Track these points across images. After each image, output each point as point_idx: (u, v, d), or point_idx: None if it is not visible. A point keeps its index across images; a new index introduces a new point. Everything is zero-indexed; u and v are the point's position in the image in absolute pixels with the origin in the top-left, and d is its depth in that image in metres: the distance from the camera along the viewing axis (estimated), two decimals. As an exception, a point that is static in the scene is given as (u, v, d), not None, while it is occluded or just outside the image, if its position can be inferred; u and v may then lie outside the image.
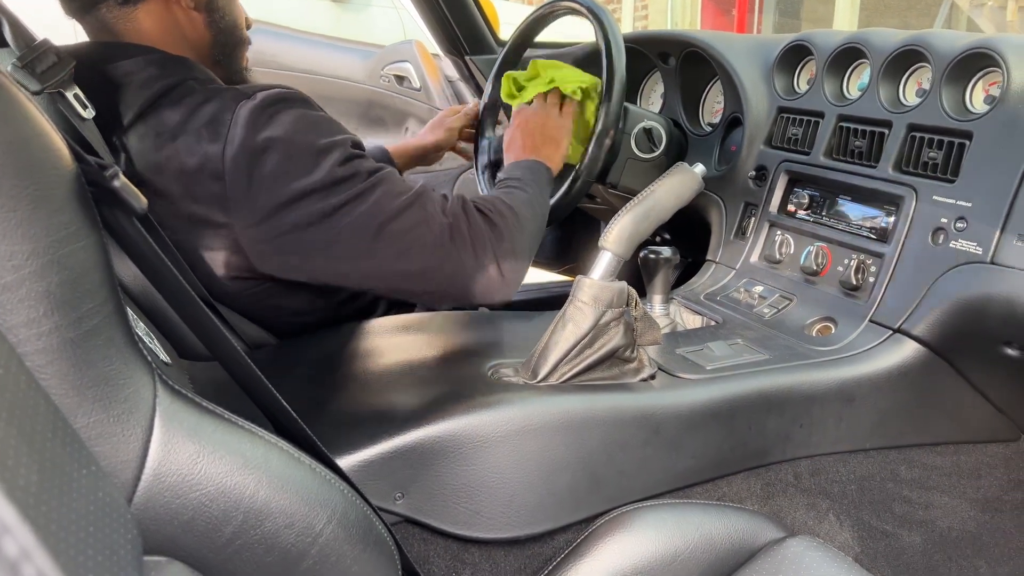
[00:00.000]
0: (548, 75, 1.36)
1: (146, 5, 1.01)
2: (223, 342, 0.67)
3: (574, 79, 1.35)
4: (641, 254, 1.24)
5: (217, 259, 1.02)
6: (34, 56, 0.84)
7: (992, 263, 1.00)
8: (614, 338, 0.95)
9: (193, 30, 1.06)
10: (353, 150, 1.00)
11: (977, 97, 1.13)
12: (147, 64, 0.99)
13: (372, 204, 0.97)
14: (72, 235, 0.51)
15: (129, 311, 0.59)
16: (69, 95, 0.87)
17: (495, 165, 1.57)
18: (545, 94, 1.35)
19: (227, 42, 1.11)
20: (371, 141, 2.27)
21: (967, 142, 1.08)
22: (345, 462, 0.81)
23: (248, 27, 1.18)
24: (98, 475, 0.46)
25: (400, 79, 2.18)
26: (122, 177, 0.54)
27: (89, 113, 0.88)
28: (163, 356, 0.74)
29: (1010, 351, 1.04)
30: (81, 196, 0.53)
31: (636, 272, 1.29)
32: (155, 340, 0.78)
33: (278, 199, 0.95)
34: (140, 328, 0.69)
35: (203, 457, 0.56)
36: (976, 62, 1.10)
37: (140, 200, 0.54)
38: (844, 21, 6.73)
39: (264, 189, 0.94)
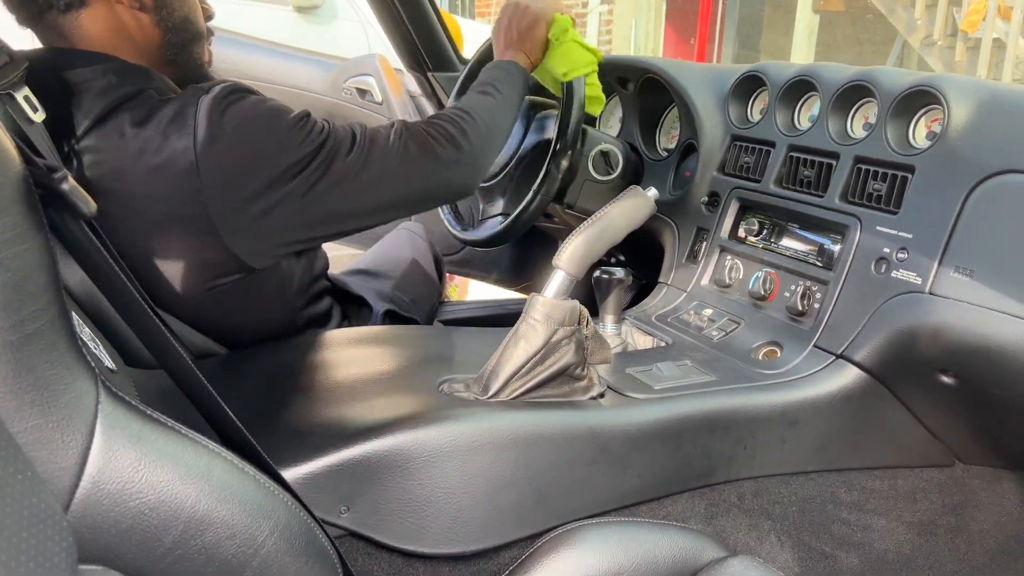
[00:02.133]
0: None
1: (89, 11, 1.00)
2: (170, 350, 0.67)
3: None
4: (595, 274, 1.26)
5: (183, 259, 1.02)
6: (-15, 56, 0.83)
7: (930, 293, 1.04)
8: (565, 356, 0.96)
9: (141, 31, 1.04)
10: (308, 119, 1.04)
11: (920, 133, 1.17)
12: (106, 72, 0.98)
13: (340, 166, 1.03)
14: (17, 237, 0.50)
15: (75, 316, 0.58)
16: (19, 97, 0.85)
17: None
18: None
19: (179, 40, 1.08)
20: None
21: (909, 175, 1.12)
22: (291, 474, 0.81)
23: (208, 17, 1.16)
24: (34, 481, 0.45)
25: (362, 92, 2.17)
26: (71, 180, 0.53)
27: (39, 116, 0.87)
28: (108, 363, 0.73)
29: (946, 379, 1.07)
30: (28, 198, 0.52)
31: (589, 292, 1.31)
32: (100, 346, 0.77)
33: (258, 183, 0.97)
34: (85, 334, 0.68)
35: (144, 465, 0.56)
36: (919, 99, 1.15)
37: (89, 204, 0.54)
38: (801, 54, 6.91)
39: (241, 176, 0.96)
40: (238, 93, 1.00)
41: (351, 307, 1.37)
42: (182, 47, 1.10)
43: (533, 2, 1.31)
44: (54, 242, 0.55)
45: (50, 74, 0.96)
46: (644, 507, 1.02)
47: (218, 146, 0.95)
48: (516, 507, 0.91)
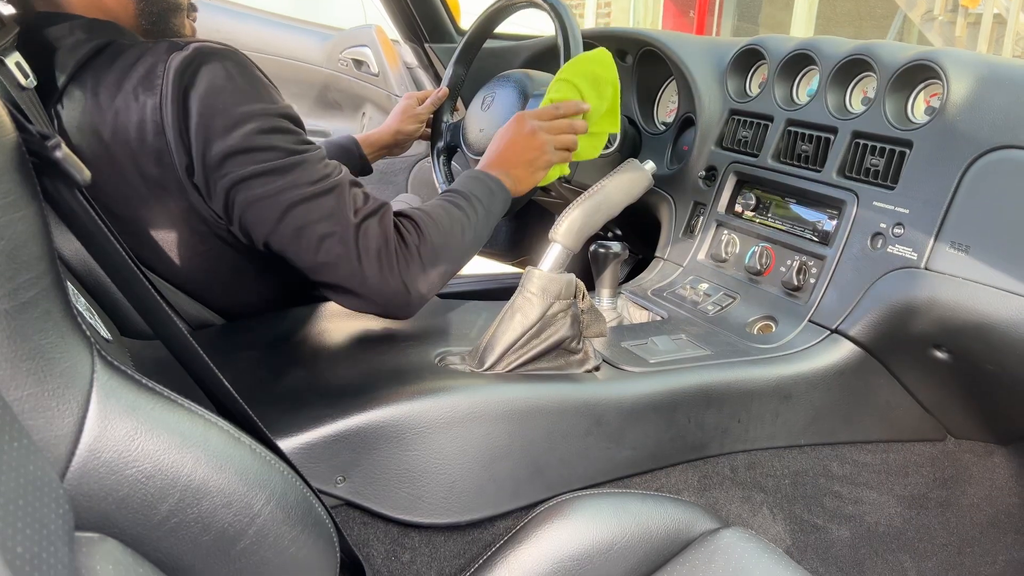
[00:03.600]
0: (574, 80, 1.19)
1: None
2: (165, 319, 0.67)
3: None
4: (591, 248, 1.26)
5: (169, 220, 1.01)
6: (-24, 21, 0.82)
7: (926, 269, 1.04)
8: (561, 329, 0.97)
9: (115, 1, 1.02)
10: (279, 121, 0.96)
11: (918, 107, 1.17)
12: (73, 29, 0.97)
13: (284, 182, 0.93)
14: (10, 205, 0.50)
15: (70, 286, 0.58)
16: (10, 62, 0.84)
17: (451, 150, 1.58)
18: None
19: (154, 10, 1.06)
20: (338, 127, 2.25)
21: (907, 151, 1.11)
22: (287, 444, 0.81)
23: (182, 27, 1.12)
24: (29, 448, 0.46)
25: (358, 63, 2.16)
26: (64, 147, 0.53)
27: (31, 82, 0.86)
28: (104, 333, 0.73)
29: (939, 354, 1.08)
30: (21, 166, 0.52)
31: (586, 265, 1.31)
32: (96, 317, 0.77)
33: (208, 157, 0.93)
34: (81, 304, 0.68)
35: (140, 434, 0.56)
36: (919, 73, 1.14)
37: (83, 171, 0.54)
38: (801, 28, 6.86)
39: (195, 144, 0.93)
40: (211, 56, 0.94)
41: None
42: (158, 17, 1.07)
43: (548, 146, 1.16)
44: (48, 211, 0.55)
45: (31, 38, 0.95)
46: (638, 479, 1.03)
47: (178, 112, 0.92)
48: (511, 478, 0.92)
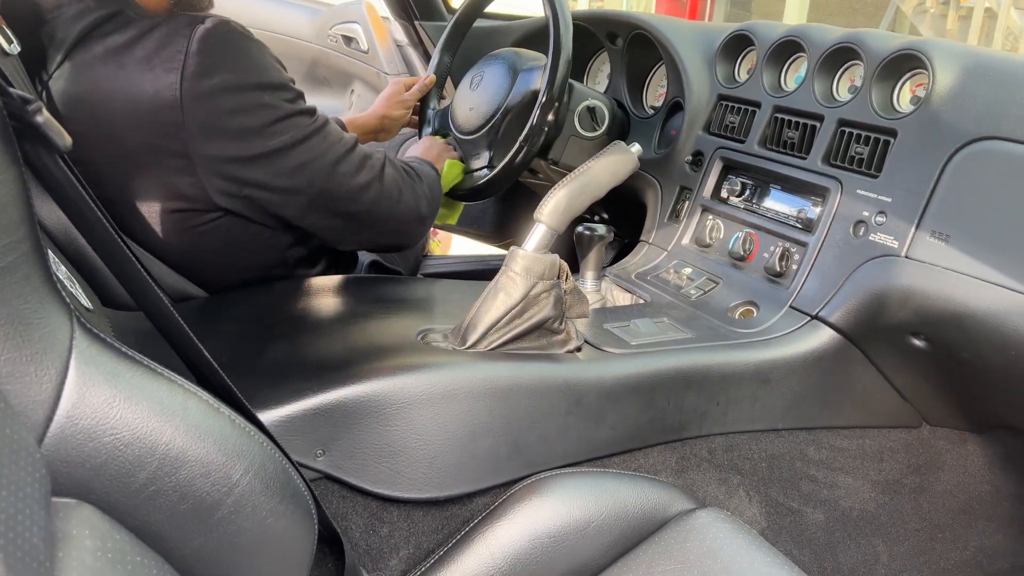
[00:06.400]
0: None
1: None
2: (147, 289, 0.66)
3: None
4: (576, 230, 1.26)
5: (163, 193, 1.01)
6: (-42, -15, 0.81)
7: (906, 257, 1.05)
8: (544, 309, 0.97)
9: None
10: (297, 90, 1.05)
11: (904, 97, 1.17)
12: None
13: (326, 143, 1.05)
14: (-11, 169, 0.49)
15: (51, 255, 0.58)
16: None
17: (439, 135, 1.57)
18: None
19: (186, 3, 1.07)
20: (326, 104, 2.23)
21: (892, 140, 1.12)
22: (267, 416, 0.81)
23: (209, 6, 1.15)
24: (5, 412, 0.46)
25: (348, 40, 2.14)
26: (45, 112, 0.52)
27: (14, 48, 0.85)
28: (84, 302, 0.73)
29: (917, 342, 1.09)
30: (1, 130, 0.52)
31: (571, 248, 1.31)
32: (77, 286, 0.76)
33: (239, 133, 0.96)
34: (62, 272, 0.67)
35: (119, 401, 0.56)
36: (905, 63, 1.15)
37: (64, 137, 0.53)
38: (793, 18, 6.86)
39: (224, 123, 0.95)
40: (235, 33, 0.98)
41: (337, 252, 1.36)
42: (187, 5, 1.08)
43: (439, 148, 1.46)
44: (30, 178, 0.54)
45: (21, 4, 0.94)
46: (617, 459, 1.04)
47: (204, 85, 0.93)
48: (490, 455, 0.93)
